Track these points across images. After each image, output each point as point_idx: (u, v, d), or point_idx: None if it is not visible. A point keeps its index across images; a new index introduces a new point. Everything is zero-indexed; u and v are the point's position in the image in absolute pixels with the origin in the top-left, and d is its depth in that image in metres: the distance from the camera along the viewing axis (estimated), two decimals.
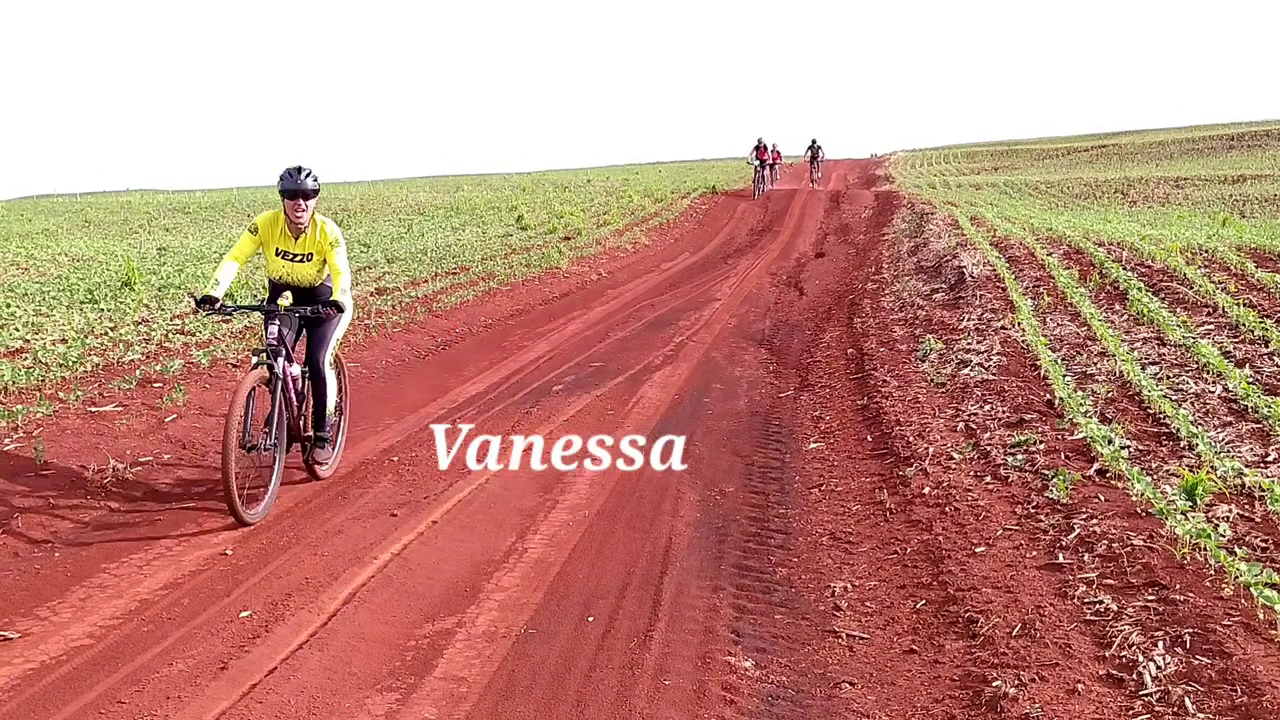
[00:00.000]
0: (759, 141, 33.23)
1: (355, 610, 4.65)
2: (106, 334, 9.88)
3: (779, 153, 36.38)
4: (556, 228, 22.30)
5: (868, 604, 4.82)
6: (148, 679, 3.99)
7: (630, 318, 13.30)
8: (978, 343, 9.38)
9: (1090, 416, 6.69)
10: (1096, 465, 5.90)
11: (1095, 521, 5.11)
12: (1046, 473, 5.89)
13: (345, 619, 4.56)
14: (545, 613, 4.72)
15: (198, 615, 4.57)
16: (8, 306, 11.42)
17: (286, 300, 6.33)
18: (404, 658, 4.30)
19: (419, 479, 6.60)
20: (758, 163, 32.49)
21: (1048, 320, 9.95)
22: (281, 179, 5.93)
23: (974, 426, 7.08)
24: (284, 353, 5.94)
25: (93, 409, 7.41)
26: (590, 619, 4.66)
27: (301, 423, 6.28)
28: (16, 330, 9.78)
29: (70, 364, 8.37)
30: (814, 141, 38.59)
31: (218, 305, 5.82)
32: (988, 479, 6.09)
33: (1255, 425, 6.31)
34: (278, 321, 5.94)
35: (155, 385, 8.13)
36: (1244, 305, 9.23)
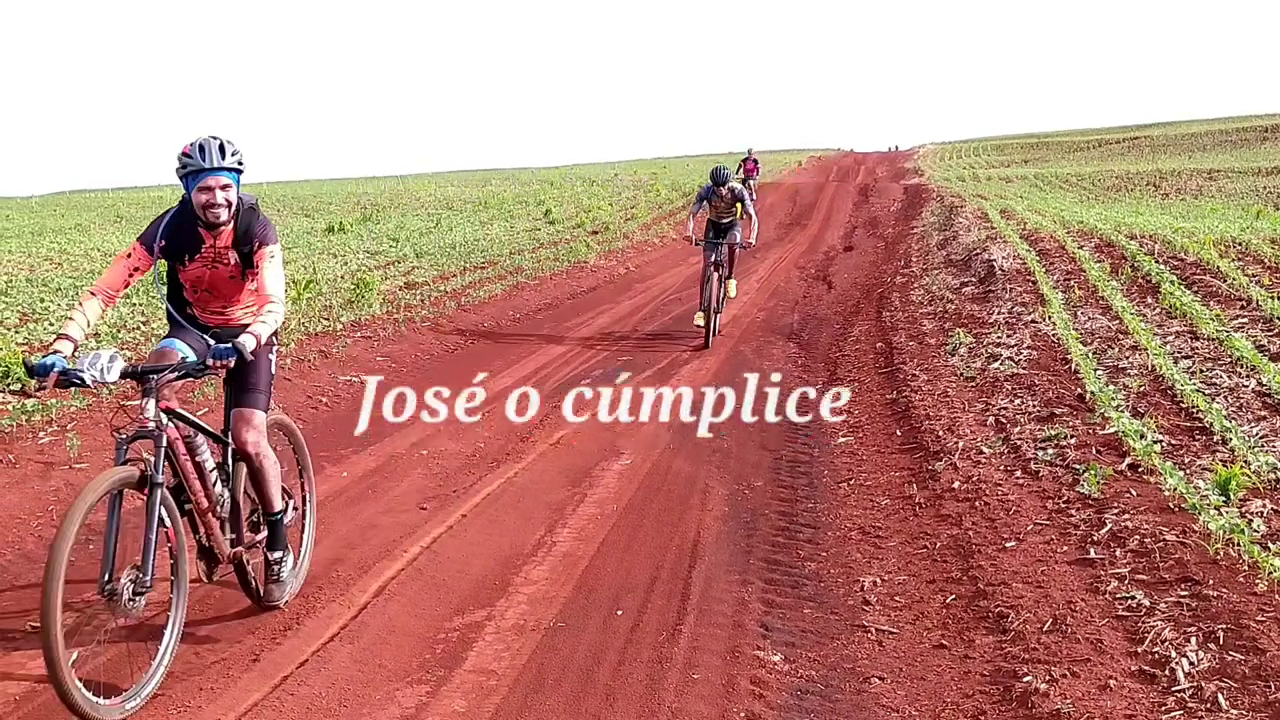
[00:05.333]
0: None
1: (385, 603, 4.68)
2: (139, 329, 10.00)
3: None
4: (584, 222, 22.32)
5: (897, 598, 4.80)
6: (181, 670, 4.04)
7: (658, 311, 13.30)
8: (1008, 336, 9.31)
9: (1122, 411, 6.63)
10: (1128, 460, 5.84)
11: (1127, 516, 5.06)
12: (1077, 467, 5.84)
13: (375, 612, 4.59)
14: (574, 606, 4.73)
15: (229, 608, 4.62)
16: (41, 301, 11.58)
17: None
18: (434, 650, 4.33)
19: (448, 472, 6.64)
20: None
21: (1079, 314, 9.86)
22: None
23: (1004, 421, 7.03)
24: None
25: (125, 403, 7.49)
26: (619, 612, 4.66)
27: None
28: (50, 324, 9.90)
29: None
30: (749, 152, 27.55)
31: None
32: (1018, 473, 6.04)
33: None
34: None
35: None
36: (1278, 299, 9.11)
